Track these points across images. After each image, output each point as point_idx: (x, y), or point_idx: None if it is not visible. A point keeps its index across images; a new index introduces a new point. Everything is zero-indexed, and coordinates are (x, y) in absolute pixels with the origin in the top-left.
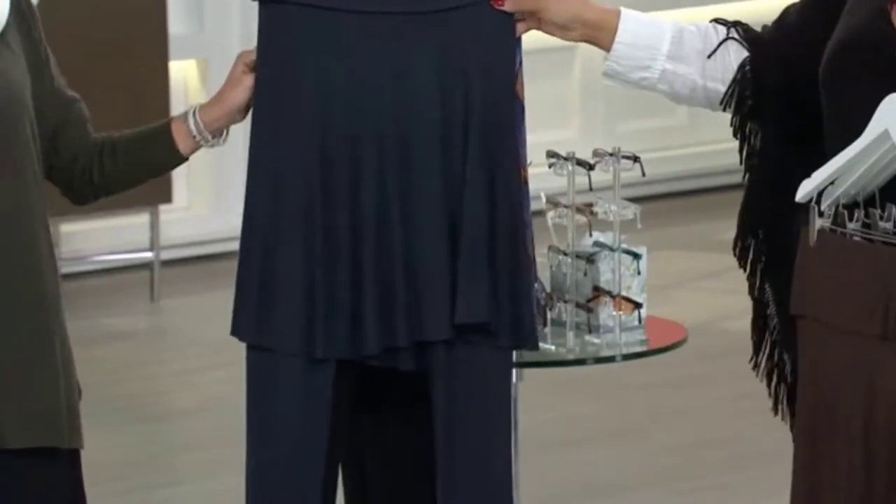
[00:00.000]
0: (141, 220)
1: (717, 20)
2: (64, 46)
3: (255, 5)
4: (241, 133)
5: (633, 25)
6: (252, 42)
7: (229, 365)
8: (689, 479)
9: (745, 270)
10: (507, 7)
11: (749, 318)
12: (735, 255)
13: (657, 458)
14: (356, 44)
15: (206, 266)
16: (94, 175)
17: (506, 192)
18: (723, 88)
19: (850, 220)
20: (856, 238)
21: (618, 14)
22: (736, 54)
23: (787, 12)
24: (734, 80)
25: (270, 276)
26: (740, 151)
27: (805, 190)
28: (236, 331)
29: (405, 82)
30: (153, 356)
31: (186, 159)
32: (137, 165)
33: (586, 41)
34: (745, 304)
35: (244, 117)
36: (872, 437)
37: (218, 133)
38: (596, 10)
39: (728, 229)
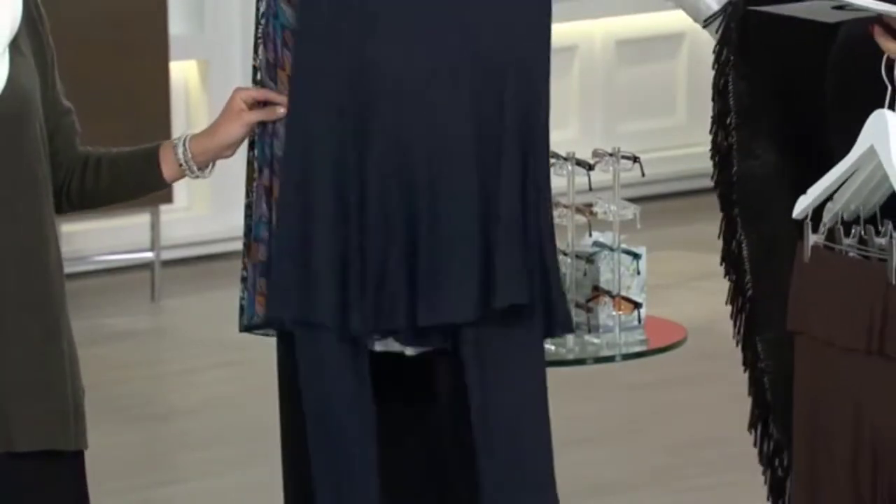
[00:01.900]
0: (141, 220)
1: None
2: (64, 47)
3: (255, 5)
4: None
5: None
6: (251, 43)
7: (230, 364)
8: (689, 478)
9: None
10: None
11: None
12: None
13: (657, 457)
14: (392, 27)
15: (207, 266)
16: (74, 187)
17: (539, 179)
18: (716, 7)
19: (847, 235)
20: (851, 254)
21: None
22: None
23: None
24: (728, 3)
25: (309, 255)
26: (714, 85)
27: (801, 206)
28: (277, 308)
29: (441, 65)
30: (154, 356)
31: (168, 185)
32: (119, 184)
33: None
34: None
35: (233, 153)
36: (860, 454)
37: (204, 165)
38: None
39: None
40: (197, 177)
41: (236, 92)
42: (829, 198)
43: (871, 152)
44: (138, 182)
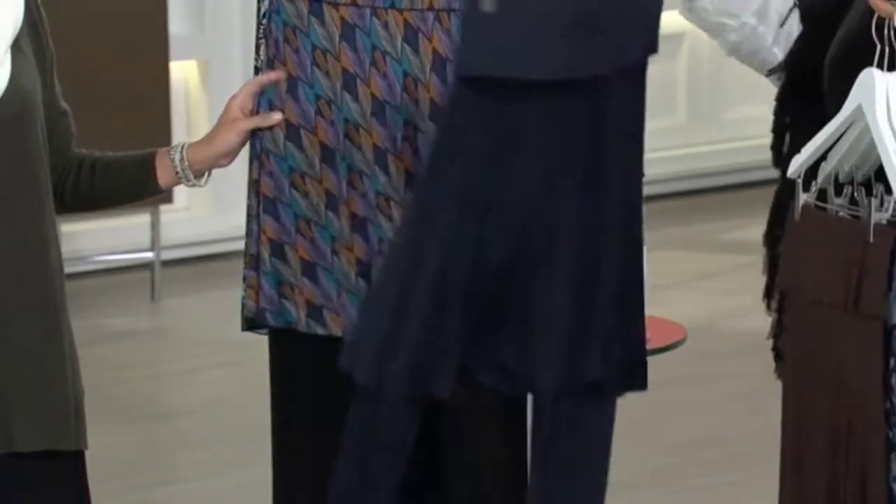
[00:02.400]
0: (142, 220)
1: None
2: (64, 47)
3: (255, 5)
4: None
5: None
6: (251, 43)
7: (230, 364)
8: (688, 477)
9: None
10: None
11: (747, 319)
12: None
13: (656, 457)
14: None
15: (207, 266)
16: (68, 190)
17: (636, 243)
18: (781, 57)
19: (839, 195)
20: (840, 214)
21: None
22: (799, 25)
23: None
24: (789, 52)
25: (399, 320)
26: (775, 129)
27: (795, 165)
28: (350, 366)
29: (560, 138)
30: (154, 356)
31: (163, 191)
32: (113, 188)
33: None
34: (744, 305)
35: (230, 162)
36: (838, 418)
37: (200, 174)
38: None
39: (728, 229)
40: (193, 185)
41: (231, 100)
42: (824, 158)
43: (860, 111)
44: (132, 187)
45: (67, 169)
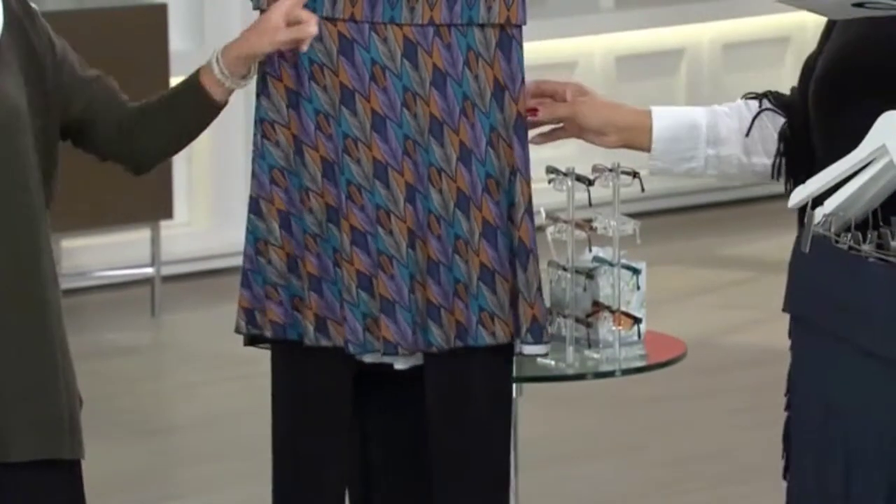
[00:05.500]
0: (142, 235)
1: (747, 95)
2: None
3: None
4: (241, 146)
5: (666, 122)
6: None
7: (230, 379)
8: (688, 492)
9: None
10: (540, 116)
11: (745, 334)
12: None
13: (656, 471)
14: None
15: (207, 281)
16: (144, 140)
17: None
18: (767, 161)
19: (864, 240)
20: (871, 259)
21: (649, 114)
22: (773, 123)
23: (806, 64)
24: (778, 151)
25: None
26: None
27: (798, 197)
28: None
29: None
30: (154, 371)
31: (222, 106)
32: (180, 122)
33: (625, 146)
34: (742, 319)
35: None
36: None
37: (241, 76)
38: (627, 113)
39: (727, 245)
40: (242, 86)
41: (276, 6)
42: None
43: (880, 151)
44: (193, 114)
45: (133, 123)
